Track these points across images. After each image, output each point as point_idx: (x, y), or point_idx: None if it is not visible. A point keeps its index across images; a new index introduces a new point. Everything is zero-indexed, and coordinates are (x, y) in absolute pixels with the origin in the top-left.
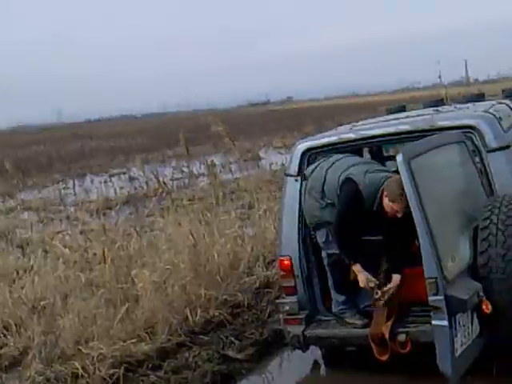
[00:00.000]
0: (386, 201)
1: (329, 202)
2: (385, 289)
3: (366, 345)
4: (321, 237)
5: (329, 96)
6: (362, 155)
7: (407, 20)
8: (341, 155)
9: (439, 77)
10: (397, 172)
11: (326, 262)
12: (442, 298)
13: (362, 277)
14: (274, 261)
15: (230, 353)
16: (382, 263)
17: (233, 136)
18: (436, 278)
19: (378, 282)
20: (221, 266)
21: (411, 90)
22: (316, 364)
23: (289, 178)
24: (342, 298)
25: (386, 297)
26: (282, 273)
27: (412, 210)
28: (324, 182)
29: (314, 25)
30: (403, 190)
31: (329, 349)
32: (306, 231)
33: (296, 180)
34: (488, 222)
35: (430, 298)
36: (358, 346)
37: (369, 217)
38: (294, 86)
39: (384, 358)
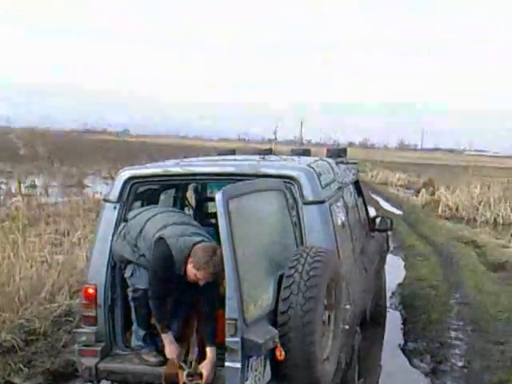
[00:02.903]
0: (189, 267)
1: (141, 253)
2: (198, 371)
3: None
4: (128, 271)
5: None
6: (186, 192)
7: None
8: (165, 208)
9: (274, 133)
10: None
11: (131, 296)
12: (238, 339)
13: (172, 349)
14: (79, 290)
15: (17, 380)
16: (192, 333)
17: (57, 159)
18: (236, 319)
19: (184, 366)
20: (22, 289)
21: (248, 143)
22: None
23: (107, 204)
24: (142, 332)
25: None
26: (84, 301)
27: (223, 249)
28: (141, 232)
29: None
30: (210, 257)
31: None
32: (116, 261)
33: (114, 207)
34: (293, 270)
35: (228, 339)
36: (151, 383)
37: (180, 280)
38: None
39: None
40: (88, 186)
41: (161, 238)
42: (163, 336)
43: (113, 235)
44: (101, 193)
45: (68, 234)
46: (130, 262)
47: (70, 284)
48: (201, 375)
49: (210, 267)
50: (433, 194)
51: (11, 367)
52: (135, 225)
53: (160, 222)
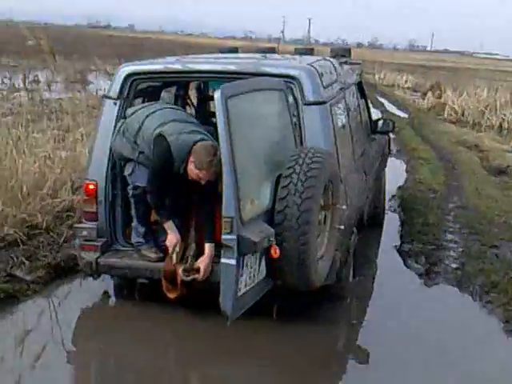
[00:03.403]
0: (191, 166)
1: (140, 151)
2: (195, 266)
3: (157, 279)
4: (128, 169)
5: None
6: (187, 90)
7: None
8: (165, 105)
9: (281, 31)
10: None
11: (131, 193)
12: (234, 237)
13: (172, 238)
14: (82, 187)
15: (18, 273)
16: (190, 230)
17: (58, 53)
18: (232, 217)
19: (184, 258)
20: (24, 184)
21: (254, 41)
22: (106, 294)
23: (107, 100)
24: (142, 229)
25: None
26: (85, 197)
27: (221, 148)
28: (140, 129)
29: None
30: (213, 157)
31: (121, 280)
32: (115, 159)
33: (114, 103)
34: (291, 170)
35: (223, 237)
36: (150, 279)
37: (178, 179)
38: (137, 15)
39: (172, 295)
40: (91, 83)
41: (160, 135)
42: (165, 225)
43: (113, 132)
44: (104, 89)
45: (71, 131)
46: (129, 160)
47: (73, 180)
48: (198, 270)
49: (212, 166)
50: (439, 97)
51: (14, 261)
52: (134, 122)
53: (159, 119)
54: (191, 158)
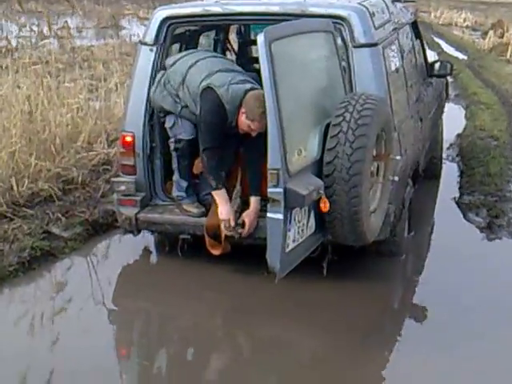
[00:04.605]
0: (242, 118)
1: (183, 105)
2: (239, 221)
3: (200, 235)
4: (169, 121)
5: None
6: (228, 35)
7: None
8: (207, 54)
9: None
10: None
11: (172, 146)
12: (281, 190)
13: (224, 210)
14: (118, 139)
15: (55, 230)
16: (236, 184)
17: None
18: (278, 169)
19: (235, 226)
20: (58, 137)
21: None
22: (146, 251)
23: (143, 46)
24: (184, 183)
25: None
26: (122, 149)
27: (265, 96)
28: (183, 81)
29: None
30: (264, 107)
31: (162, 236)
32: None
33: (151, 50)
34: (341, 119)
35: (269, 190)
36: (192, 235)
37: (228, 132)
38: None
39: (216, 252)
40: (125, 28)
41: (209, 87)
42: (216, 193)
43: (150, 81)
44: (138, 35)
45: (105, 80)
46: (170, 112)
47: (108, 132)
48: (243, 225)
49: (265, 117)
50: (501, 36)
51: (49, 217)
52: (176, 73)
53: (204, 70)
54: (242, 109)
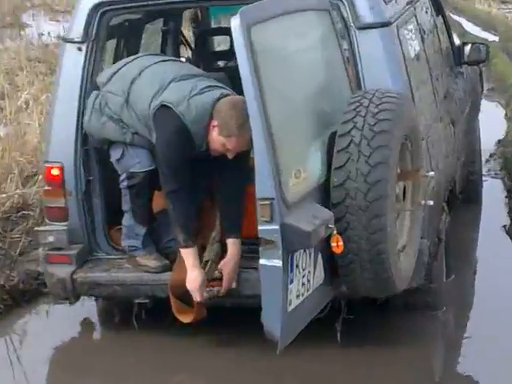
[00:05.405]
0: (214, 134)
1: (133, 131)
2: (215, 275)
3: (163, 297)
4: (115, 153)
5: None
6: (179, 24)
7: None
8: (155, 58)
9: None
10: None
11: (125, 184)
12: (277, 227)
13: (192, 276)
14: (36, 175)
15: None
16: (211, 224)
17: None
18: (272, 199)
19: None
20: None
21: None
22: (87, 324)
23: (68, 45)
24: (141, 229)
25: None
26: (46, 187)
27: (247, 102)
28: (127, 101)
29: None
30: (244, 118)
31: (109, 301)
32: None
33: (79, 49)
34: (350, 126)
35: (261, 228)
36: (152, 298)
37: (196, 157)
38: None
39: (186, 319)
40: (29, 26)
41: (163, 106)
42: (184, 252)
43: (81, 91)
44: (49, 33)
45: (9, 97)
46: (116, 144)
47: (21, 166)
48: (220, 279)
49: (246, 130)
50: None
51: None
52: (114, 92)
53: (153, 83)
54: (213, 122)
